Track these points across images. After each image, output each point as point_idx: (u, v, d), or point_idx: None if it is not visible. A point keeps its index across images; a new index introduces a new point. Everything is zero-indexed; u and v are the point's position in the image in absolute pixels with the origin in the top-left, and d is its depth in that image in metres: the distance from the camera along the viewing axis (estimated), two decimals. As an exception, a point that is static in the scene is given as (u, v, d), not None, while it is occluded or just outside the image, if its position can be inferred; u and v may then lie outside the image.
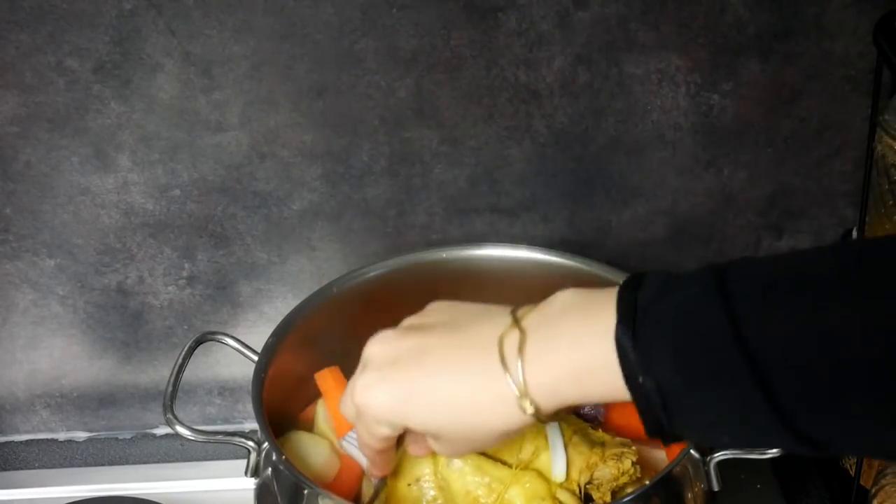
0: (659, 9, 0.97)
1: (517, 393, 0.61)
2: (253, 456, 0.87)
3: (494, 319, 0.65)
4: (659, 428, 0.58)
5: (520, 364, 0.61)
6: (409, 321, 0.71)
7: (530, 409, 0.62)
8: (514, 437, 0.66)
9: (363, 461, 0.92)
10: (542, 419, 0.63)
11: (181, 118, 1.01)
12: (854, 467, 1.01)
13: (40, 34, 0.97)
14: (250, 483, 0.89)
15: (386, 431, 0.69)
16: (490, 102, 1.01)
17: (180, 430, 0.86)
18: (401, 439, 0.75)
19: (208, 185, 1.05)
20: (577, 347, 0.60)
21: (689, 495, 0.82)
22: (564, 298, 0.63)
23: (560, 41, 0.98)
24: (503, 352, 0.62)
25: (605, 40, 0.98)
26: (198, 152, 1.03)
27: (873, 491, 0.94)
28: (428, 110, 1.02)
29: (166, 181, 1.05)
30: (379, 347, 0.69)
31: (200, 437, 0.87)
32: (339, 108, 1.01)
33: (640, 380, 0.57)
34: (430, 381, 0.65)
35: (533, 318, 0.63)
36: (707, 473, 0.83)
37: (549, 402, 0.62)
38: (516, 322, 0.63)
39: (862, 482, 1.01)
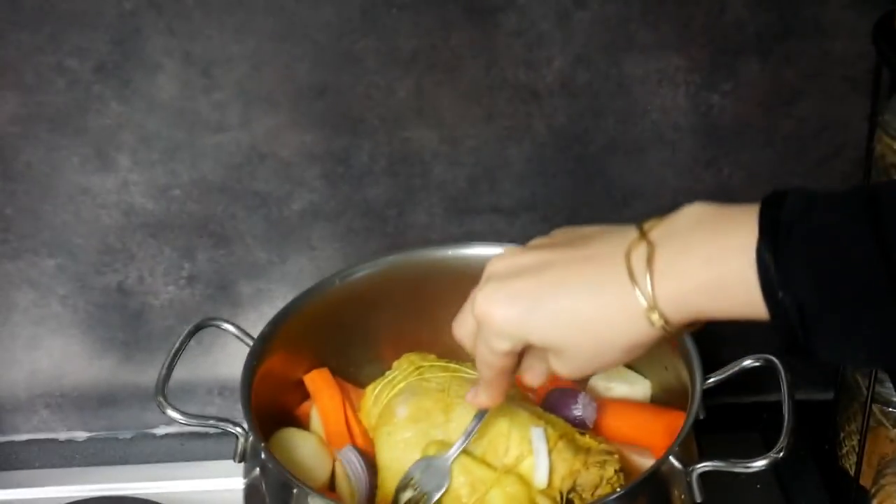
0: (659, 9, 0.97)
1: (645, 305, 0.61)
2: (241, 441, 0.87)
3: (619, 234, 0.64)
4: (794, 344, 0.57)
5: (648, 277, 0.60)
6: (534, 241, 0.70)
7: (659, 322, 0.61)
8: (641, 352, 0.65)
9: (357, 478, 0.92)
10: (671, 332, 0.62)
11: (181, 118, 1.01)
12: (854, 467, 1.01)
13: (41, 34, 0.97)
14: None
15: (506, 346, 0.68)
16: (490, 102, 1.01)
17: (170, 412, 0.86)
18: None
19: (208, 185, 1.05)
20: (711, 261, 0.59)
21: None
22: (694, 211, 0.62)
23: (560, 41, 0.98)
24: (630, 264, 0.61)
25: (605, 40, 0.98)
26: (198, 152, 1.03)
27: (873, 491, 0.94)
28: (428, 110, 1.02)
29: (166, 181, 1.05)
30: (501, 263, 0.68)
31: (191, 421, 0.87)
32: (339, 108, 1.01)
33: (780, 296, 0.56)
34: (552, 293, 0.64)
35: (661, 230, 0.62)
36: (689, 484, 0.83)
37: (679, 315, 0.61)
38: (643, 235, 0.62)
39: (862, 482, 1.01)
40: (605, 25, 0.97)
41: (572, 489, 0.85)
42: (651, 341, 0.63)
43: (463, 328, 0.72)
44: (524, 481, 0.85)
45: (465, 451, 0.87)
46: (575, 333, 0.64)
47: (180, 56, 0.98)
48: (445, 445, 0.87)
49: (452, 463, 0.86)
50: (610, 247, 0.64)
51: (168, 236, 1.08)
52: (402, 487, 0.87)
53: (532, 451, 0.86)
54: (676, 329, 0.62)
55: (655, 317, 0.61)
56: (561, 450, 0.86)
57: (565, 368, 0.68)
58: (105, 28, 0.97)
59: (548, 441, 0.86)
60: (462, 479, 0.85)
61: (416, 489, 0.87)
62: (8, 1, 0.95)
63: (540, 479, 0.85)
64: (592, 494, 0.85)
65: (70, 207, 1.06)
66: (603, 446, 0.88)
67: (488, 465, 0.86)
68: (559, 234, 0.70)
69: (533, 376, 0.74)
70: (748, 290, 0.57)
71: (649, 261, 0.61)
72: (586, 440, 0.88)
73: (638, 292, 0.61)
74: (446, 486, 0.85)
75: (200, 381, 1.16)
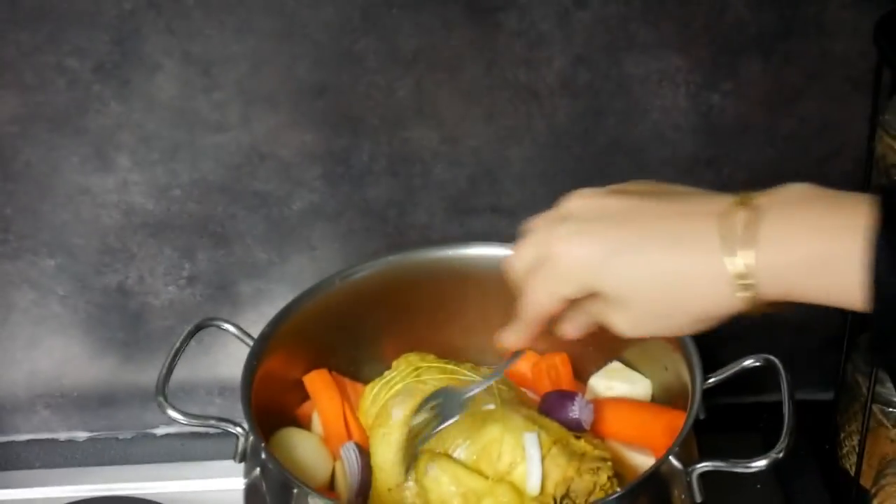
0: (659, 8, 0.97)
1: (740, 272, 0.57)
2: (241, 441, 0.87)
3: (711, 196, 0.61)
4: (884, 340, 0.55)
5: (749, 243, 0.57)
6: (612, 186, 0.66)
7: (748, 293, 0.58)
8: (710, 325, 0.62)
9: (352, 474, 0.92)
10: (754, 308, 0.59)
11: (181, 118, 1.01)
12: (854, 467, 1.01)
13: (40, 34, 0.97)
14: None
15: (570, 290, 0.64)
16: (490, 102, 1.01)
17: (170, 412, 0.87)
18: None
19: (208, 185, 1.05)
20: (822, 236, 0.56)
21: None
22: (800, 188, 0.59)
23: (560, 41, 0.98)
24: (729, 227, 0.58)
25: (606, 40, 0.98)
26: (198, 152, 1.03)
27: (873, 491, 0.94)
28: (428, 110, 1.02)
29: (166, 181, 1.05)
30: (582, 202, 0.65)
31: (191, 421, 0.87)
32: (339, 107, 1.01)
33: (889, 284, 0.54)
34: (637, 243, 0.61)
35: (766, 199, 0.59)
36: (689, 484, 0.82)
37: (772, 289, 0.58)
38: (744, 201, 0.59)
39: (862, 482, 1.01)
40: (606, 25, 0.97)
41: (566, 495, 0.85)
42: (725, 314, 0.60)
43: (521, 261, 0.67)
44: (516, 490, 0.85)
45: (456, 461, 0.87)
46: (651, 289, 0.61)
47: (180, 56, 0.98)
48: (437, 455, 0.87)
49: (446, 463, 0.86)
50: (705, 206, 0.61)
51: (168, 236, 1.08)
52: (419, 410, 0.87)
53: (524, 457, 0.85)
54: (761, 307, 0.59)
55: (746, 284, 0.57)
56: (555, 455, 0.85)
57: (626, 324, 0.64)
58: (104, 28, 0.96)
59: (541, 447, 0.86)
60: (453, 489, 0.85)
61: (430, 412, 0.86)
62: (7, 0, 0.95)
63: (532, 486, 0.85)
64: (586, 501, 0.85)
65: (70, 207, 1.06)
66: (597, 452, 0.88)
67: (481, 473, 0.86)
68: (637, 184, 0.66)
69: (572, 328, 0.70)
70: (850, 271, 0.55)
71: (751, 226, 0.57)
72: (581, 445, 0.88)
73: (728, 258, 0.58)
74: (457, 418, 0.84)
75: (201, 381, 1.16)
